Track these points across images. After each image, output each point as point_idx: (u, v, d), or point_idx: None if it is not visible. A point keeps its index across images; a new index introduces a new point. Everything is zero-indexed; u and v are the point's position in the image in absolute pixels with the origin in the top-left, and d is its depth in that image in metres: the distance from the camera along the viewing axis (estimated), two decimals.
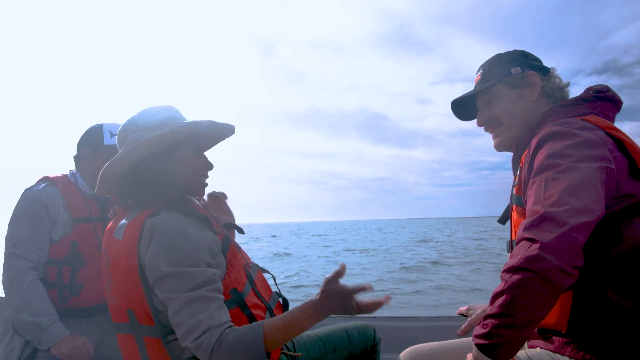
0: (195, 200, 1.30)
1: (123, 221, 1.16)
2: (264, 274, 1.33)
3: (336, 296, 1.01)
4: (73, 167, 1.91)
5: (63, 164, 2.07)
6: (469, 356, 1.01)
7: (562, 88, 1.27)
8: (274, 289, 1.34)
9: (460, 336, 1.53)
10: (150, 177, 1.17)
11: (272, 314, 1.23)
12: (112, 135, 1.85)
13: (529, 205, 0.96)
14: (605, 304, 0.97)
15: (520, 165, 1.13)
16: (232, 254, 1.20)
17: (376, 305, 1.01)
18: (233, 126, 1.26)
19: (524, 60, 1.28)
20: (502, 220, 1.28)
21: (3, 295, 1.72)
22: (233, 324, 1.06)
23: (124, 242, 1.11)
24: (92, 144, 1.84)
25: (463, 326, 1.47)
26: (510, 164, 1.26)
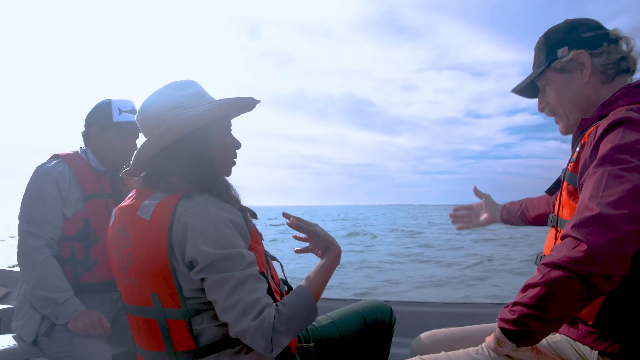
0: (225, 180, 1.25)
1: (149, 201, 1.10)
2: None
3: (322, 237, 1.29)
4: (82, 144, 1.89)
5: (68, 143, 2.06)
6: (489, 338, 1.02)
7: (623, 57, 1.12)
8: (280, 276, 1.33)
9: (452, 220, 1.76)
10: (187, 155, 1.13)
11: None
12: (120, 112, 1.81)
13: (584, 197, 0.90)
14: (638, 302, 0.94)
15: (582, 142, 1.05)
16: (255, 239, 1.17)
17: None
18: (259, 101, 1.23)
19: (571, 36, 1.16)
20: (550, 191, 1.24)
21: (18, 269, 1.74)
22: None
23: (152, 223, 1.06)
24: (100, 120, 1.81)
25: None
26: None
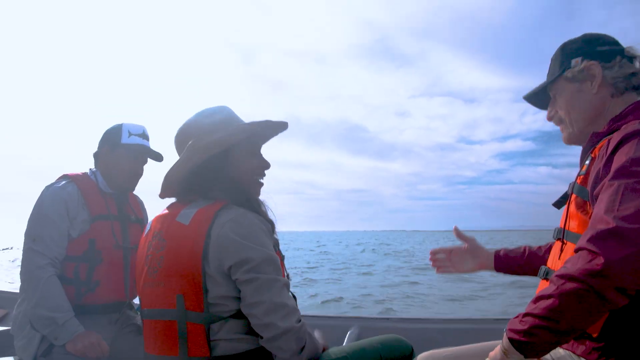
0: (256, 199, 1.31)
1: (188, 209, 1.18)
2: None
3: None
4: (92, 166, 1.93)
5: (80, 164, 2.10)
6: (493, 353, 1.01)
7: (634, 74, 1.13)
8: None
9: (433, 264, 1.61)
10: (213, 177, 1.22)
11: None
12: (130, 134, 1.87)
13: (599, 210, 0.89)
14: None
15: (592, 155, 1.06)
16: (279, 255, 1.24)
17: None
18: (287, 123, 1.31)
19: (587, 49, 1.18)
20: (557, 204, 1.24)
21: (17, 290, 1.73)
22: None
23: (191, 228, 1.12)
24: (110, 141, 1.87)
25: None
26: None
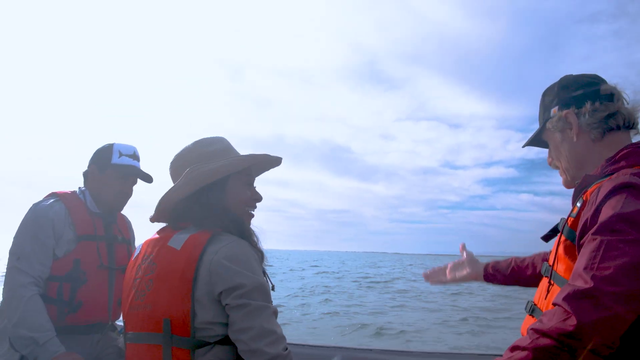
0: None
1: (181, 235, 1.19)
2: None
3: None
4: (81, 184, 1.94)
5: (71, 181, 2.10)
6: None
7: (612, 114, 1.10)
8: None
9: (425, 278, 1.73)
10: (208, 205, 1.24)
11: None
12: (121, 155, 1.88)
13: (579, 265, 0.89)
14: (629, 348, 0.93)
15: (584, 198, 1.04)
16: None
17: None
18: (281, 158, 1.37)
19: (563, 95, 1.17)
20: (545, 238, 1.26)
21: None
22: None
23: (183, 253, 1.14)
24: (100, 161, 1.87)
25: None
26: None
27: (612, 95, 1.12)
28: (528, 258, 1.57)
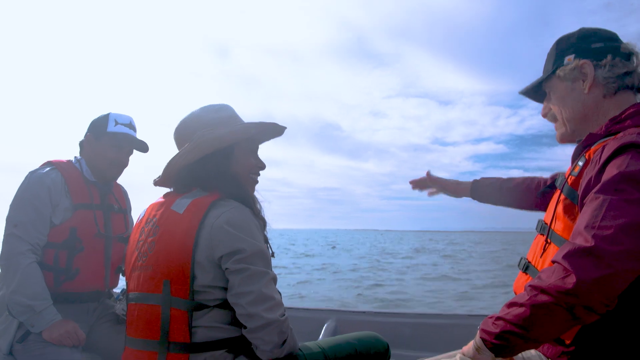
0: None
1: (184, 199, 1.20)
2: None
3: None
4: (77, 154, 1.93)
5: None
6: (466, 348, 1.04)
7: (628, 73, 1.08)
8: None
9: (412, 185, 1.78)
10: (213, 171, 1.25)
11: None
12: (117, 123, 1.86)
13: (580, 223, 0.89)
14: (618, 329, 0.95)
15: (586, 157, 1.03)
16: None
17: None
18: (286, 127, 1.37)
19: (580, 45, 1.13)
20: (541, 194, 1.27)
21: None
22: None
23: (185, 216, 1.15)
24: (96, 130, 1.87)
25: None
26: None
27: (630, 55, 1.10)
28: (519, 180, 1.58)
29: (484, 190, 1.62)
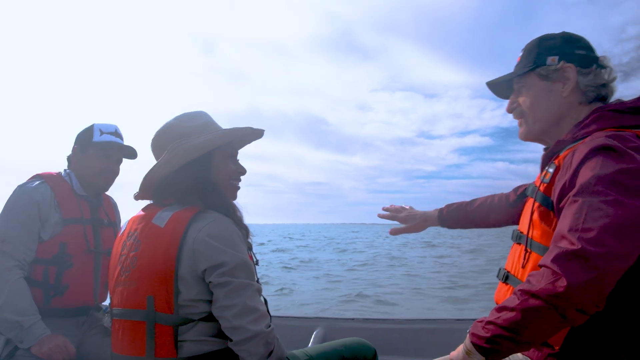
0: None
1: (165, 212, 1.19)
2: None
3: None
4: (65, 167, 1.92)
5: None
6: (456, 350, 1.05)
7: (604, 84, 1.13)
8: None
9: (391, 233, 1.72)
10: (191, 181, 1.24)
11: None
12: (102, 133, 1.86)
13: (563, 227, 0.90)
14: (605, 333, 0.97)
15: (556, 163, 1.05)
16: (251, 259, 1.26)
17: None
18: (263, 130, 1.37)
19: (566, 49, 1.15)
20: (513, 205, 1.26)
21: None
22: None
23: (166, 230, 1.15)
24: (81, 142, 1.87)
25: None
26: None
27: (605, 68, 1.14)
28: (486, 199, 1.57)
29: (449, 216, 1.62)
